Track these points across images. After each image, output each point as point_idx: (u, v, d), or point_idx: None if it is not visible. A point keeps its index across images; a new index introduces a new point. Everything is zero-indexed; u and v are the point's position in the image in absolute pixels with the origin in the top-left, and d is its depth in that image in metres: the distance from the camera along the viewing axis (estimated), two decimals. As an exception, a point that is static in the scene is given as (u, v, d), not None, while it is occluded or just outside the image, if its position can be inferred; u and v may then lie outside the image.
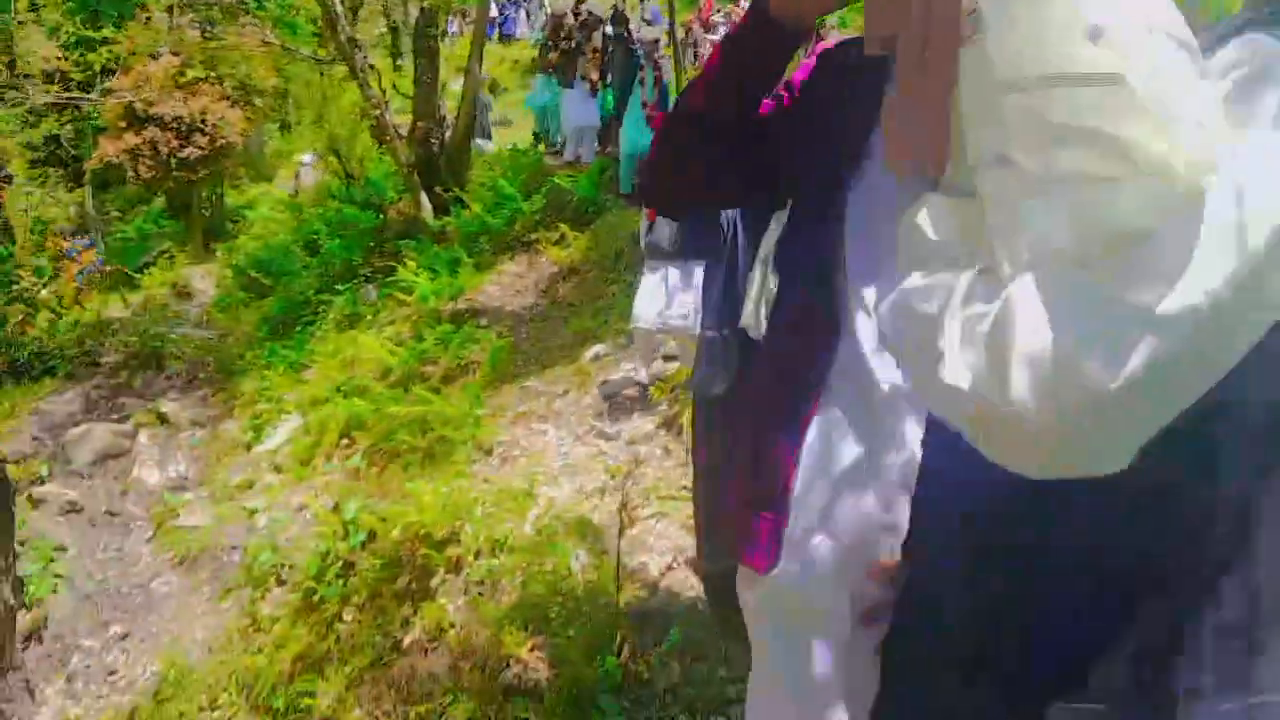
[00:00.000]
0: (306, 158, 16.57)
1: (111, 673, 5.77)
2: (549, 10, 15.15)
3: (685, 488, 4.58)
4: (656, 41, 7.90)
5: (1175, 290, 0.66)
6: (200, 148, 16.54)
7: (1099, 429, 0.70)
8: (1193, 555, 0.80)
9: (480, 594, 4.07)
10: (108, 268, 13.37)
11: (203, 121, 16.54)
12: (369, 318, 8.99)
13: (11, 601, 3.83)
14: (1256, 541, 0.78)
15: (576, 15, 11.21)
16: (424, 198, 10.25)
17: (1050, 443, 0.72)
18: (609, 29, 9.88)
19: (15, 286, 8.69)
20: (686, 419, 5.23)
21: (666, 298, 5.55)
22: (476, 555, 4.26)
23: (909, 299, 0.80)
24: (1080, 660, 0.83)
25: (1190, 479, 0.79)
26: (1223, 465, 0.79)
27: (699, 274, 5.50)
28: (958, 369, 0.74)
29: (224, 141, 16.85)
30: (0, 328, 7.20)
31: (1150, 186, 0.66)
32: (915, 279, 0.80)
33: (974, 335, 0.74)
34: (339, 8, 10.64)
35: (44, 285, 9.42)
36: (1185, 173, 0.66)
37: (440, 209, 10.16)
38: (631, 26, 10.05)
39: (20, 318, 7.83)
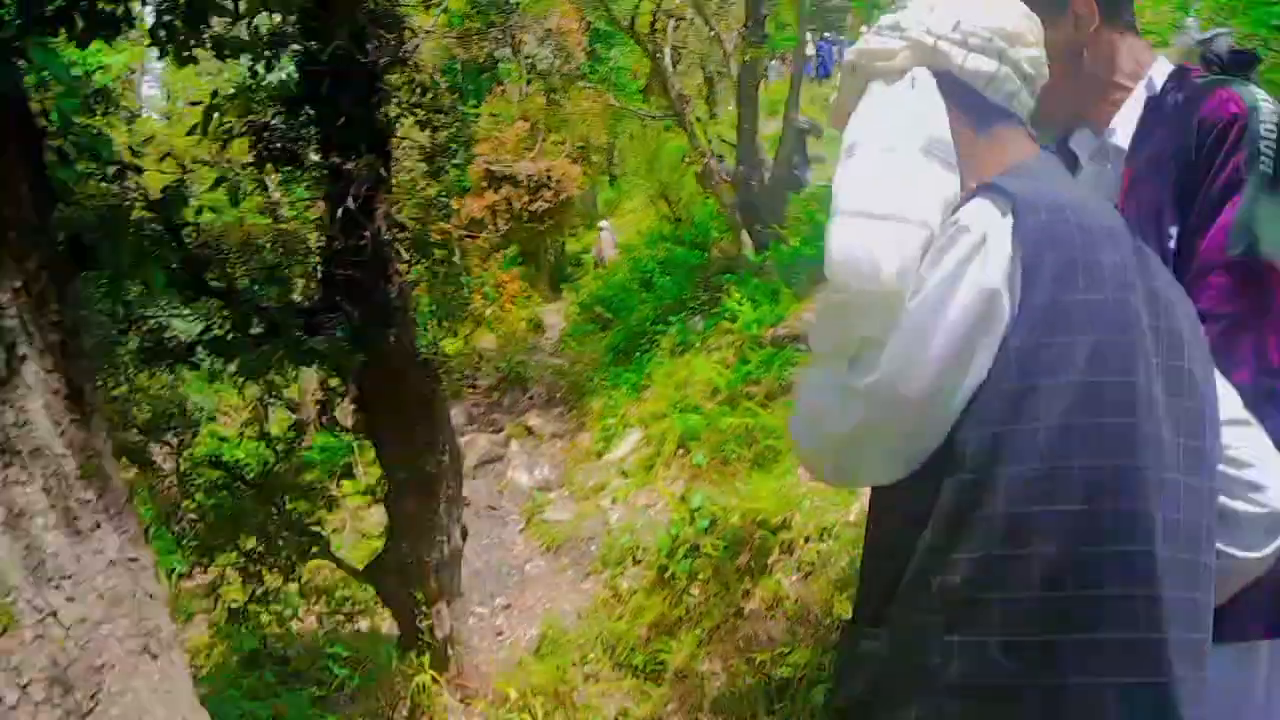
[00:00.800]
0: (604, 224, 18.04)
1: (499, 634, 7.00)
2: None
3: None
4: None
5: (876, 374, 1.05)
6: (547, 201, 18.72)
7: (850, 458, 1.13)
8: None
9: (811, 572, 4.68)
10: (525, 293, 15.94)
11: (548, 178, 18.75)
12: (698, 345, 9.90)
13: (460, 544, 4.97)
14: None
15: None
16: (745, 235, 11.09)
17: (830, 465, 1.20)
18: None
19: (469, 308, 10.68)
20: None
21: None
22: (806, 540, 4.86)
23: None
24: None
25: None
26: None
27: None
28: (790, 422, 1.23)
29: (566, 195, 18.96)
30: (455, 339, 9.03)
31: (868, 308, 1.06)
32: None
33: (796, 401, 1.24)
34: (669, 66, 11.86)
35: (488, 306, 11.41)
36: (890, 299, 1.05)
37: (760, 245, 10.94)
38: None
39: (470, 330, 9.66)
